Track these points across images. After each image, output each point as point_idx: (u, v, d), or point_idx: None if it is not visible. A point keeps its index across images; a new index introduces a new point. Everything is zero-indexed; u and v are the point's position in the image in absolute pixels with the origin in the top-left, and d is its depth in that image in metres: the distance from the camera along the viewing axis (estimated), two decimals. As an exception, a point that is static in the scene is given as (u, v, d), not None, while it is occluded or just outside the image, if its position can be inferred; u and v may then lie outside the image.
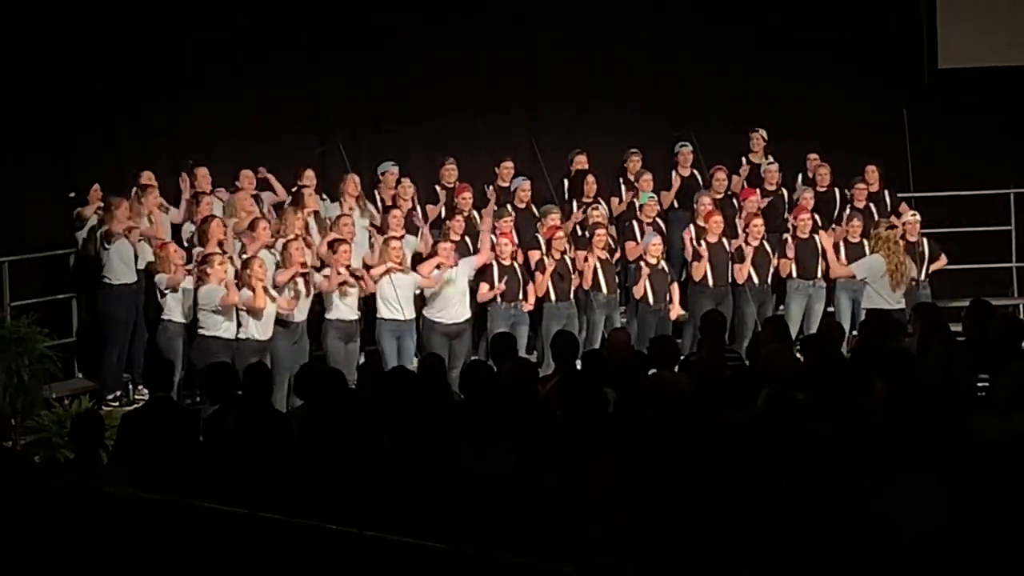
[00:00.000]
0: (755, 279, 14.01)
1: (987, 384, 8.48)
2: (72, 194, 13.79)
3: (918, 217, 14.17)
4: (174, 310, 12.73)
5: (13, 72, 13.89)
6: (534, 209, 14.70)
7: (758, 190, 14.78)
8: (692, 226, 14.19)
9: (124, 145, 14.94)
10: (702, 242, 13.95)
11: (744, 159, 15.55)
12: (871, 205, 14.80)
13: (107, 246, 13.04)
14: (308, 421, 8.23)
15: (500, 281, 13.41)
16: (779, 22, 16.05)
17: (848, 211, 14.71)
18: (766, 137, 15.54)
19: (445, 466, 6.79)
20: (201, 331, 12.36)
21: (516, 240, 13.92)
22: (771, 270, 14.11)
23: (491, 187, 15.06)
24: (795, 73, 16.09)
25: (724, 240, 14.10)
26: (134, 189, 13.57)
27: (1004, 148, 15.76)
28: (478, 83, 16.01)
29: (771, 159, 15.34)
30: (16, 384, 12.19)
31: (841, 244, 14.21)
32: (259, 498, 6.38)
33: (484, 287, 13.48)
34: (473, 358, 12.58)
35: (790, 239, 14.14)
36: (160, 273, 12.80)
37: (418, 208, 14.44)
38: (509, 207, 14.53)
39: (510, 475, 6.21)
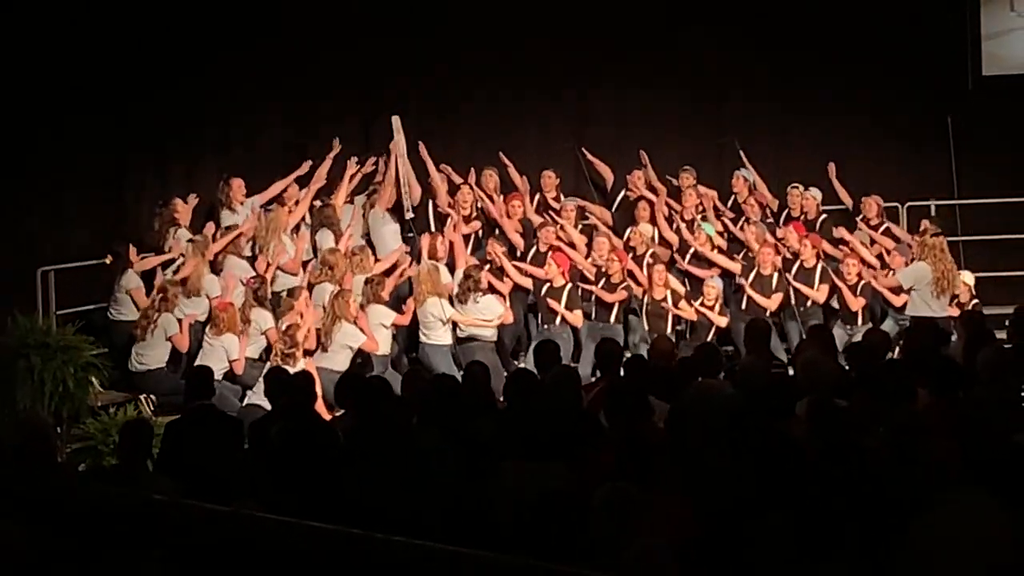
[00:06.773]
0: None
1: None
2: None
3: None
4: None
5: (59, 84, 13.97)
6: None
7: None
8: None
9: (170, 159, 15.04)
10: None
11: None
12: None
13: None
14: (355, 429, 8.22)
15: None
16: (817, 29, 15.90)
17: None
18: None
19: (499, 479, 6.78)
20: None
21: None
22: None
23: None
24: (836, 82, 15.93)
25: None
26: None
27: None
28: (528, 96, 16.06)
29: (802, 188, 15.15)
30: (62, 392, 12.24)
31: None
32: (304, 505, 6.36)
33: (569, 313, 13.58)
34: (519, 366, 12.61)
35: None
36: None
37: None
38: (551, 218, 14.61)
39: (564, 487, 6.18)
